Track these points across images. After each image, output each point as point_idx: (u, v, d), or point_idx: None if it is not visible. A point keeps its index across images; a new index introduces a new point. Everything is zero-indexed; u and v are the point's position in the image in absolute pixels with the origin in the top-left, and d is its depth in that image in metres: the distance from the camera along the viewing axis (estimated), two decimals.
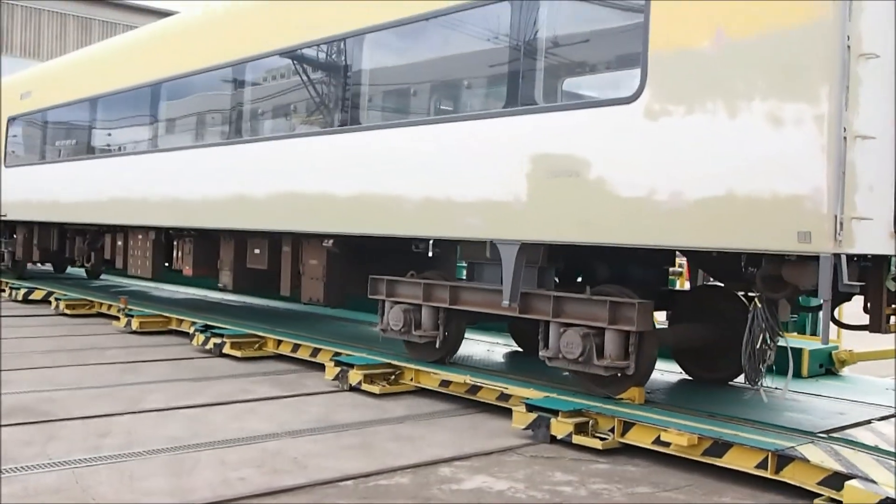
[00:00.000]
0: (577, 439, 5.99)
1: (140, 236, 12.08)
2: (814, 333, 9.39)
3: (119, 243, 12.68)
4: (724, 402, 6.74)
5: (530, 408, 6.35)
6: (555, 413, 6.16)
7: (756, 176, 5.13)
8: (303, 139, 8.77)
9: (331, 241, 8.70)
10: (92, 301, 13.27)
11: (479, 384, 7.22)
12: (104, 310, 13.02)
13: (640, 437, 5.87)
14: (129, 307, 11.81)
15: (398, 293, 8.08)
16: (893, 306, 5.66)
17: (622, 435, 5.97)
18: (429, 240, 8.23)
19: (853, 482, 4.67)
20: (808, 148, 4.88)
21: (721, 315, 7.41)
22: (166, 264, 12.02)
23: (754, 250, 5.36)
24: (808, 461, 4.98)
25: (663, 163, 5.59)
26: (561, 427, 6.08)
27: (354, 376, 7.81)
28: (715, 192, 5.33)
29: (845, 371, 8.35)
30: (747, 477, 5.25)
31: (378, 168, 7.70)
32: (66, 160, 13.60)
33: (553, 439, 6.12)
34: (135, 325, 11.26)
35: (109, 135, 12.60)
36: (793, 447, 5.19)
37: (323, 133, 8.48)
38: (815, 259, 5.01)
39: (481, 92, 7.31)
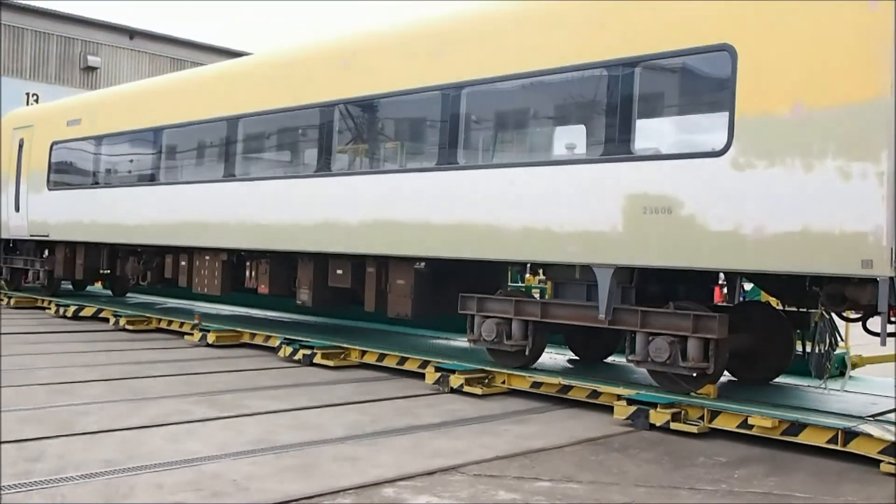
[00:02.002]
0: (674, 426, 7.43)
1: (208, 257, 13.15)
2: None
3: (182, 263, 13.71)
4: (773, 396, 8.26)
5: (630, 402, 7.77)
6: (653, 405, 7.60)
7: (827, 216, 6.66)
8: (398, 175, 10.06)
9: (422, 263, 10.01)
10: (150, 317, 14.28)
11: (571, 384, 8.62)
12: (163, 325, 14.06)
13: (726, 423, 7.34)
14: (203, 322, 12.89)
15: (488, 308, 9.43)
16: None
17: (710, 422, 7.44)
18: (526, 263, 9.61)
19: None
20: (871, 196, 6.43)
21: (762, 326, 8.94)
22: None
23: (825, 274, 6.89)
24: (872, 435, 6.50)
25: (747, 204, 7.09)
26: (660, 416, 7.51)
27: (456, 380, 9.12)
28: (792, 228, 6.85)
29: (855, 373, 9.98)
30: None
31: (478, 202, 9.04)
32: (128, 185, 14.56)
33: (652, 427, 7.54)
34: (211, 338, 12.36)
35: (177, 163, 13.64)
36: (856, 425, 6.73)
37: (421, 170, 9.81)
38: (873, 281, 6.56)
39: (584, 140, 8.74)
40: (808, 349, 9.02)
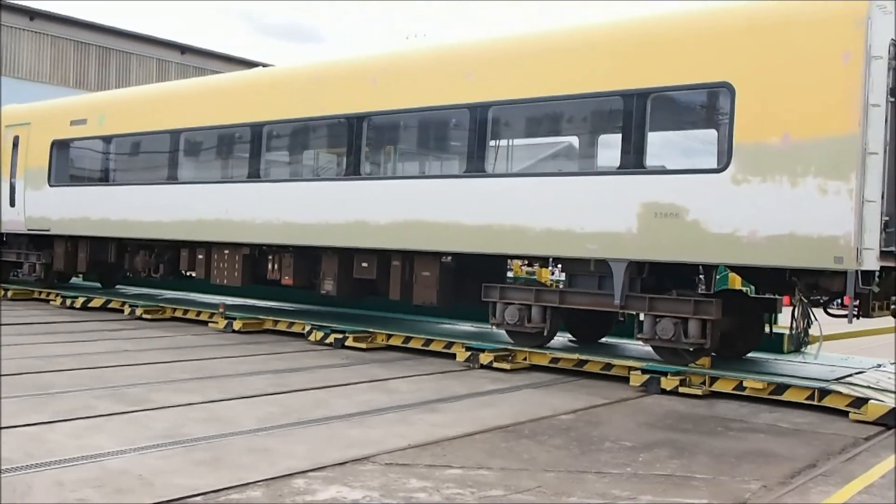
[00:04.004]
0: (682, 389, 9.18)
1: (227, 251, 14.29)
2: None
3: (200, 257, 14.80)
4: (751, 367, 10.11)
5: (644, 371, 9.50)
6: (663, 374, 9.34)
7: (808, 223, 8.49)
8: (431, 180, 11.53)
9: (449, 257, 11.52)
10: (164, 307, 15.32)
11: (587, 359, 10.30)
12: (178, 314, 15.14)
13: (724, 386, 9.15)
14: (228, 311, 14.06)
15: (510, 296, 11.01)
16: (875, 302, 9.18)
17: (710, 386, 9.22)
18: (548, 258, 11.23)
19: (871, 402, 8.09)
20: (843, 208, 8.29)
21: (740, 310, 10.78)
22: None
23: (805, 268, 8.73)
24: (842, 393, 8.39)
25: (743, 212, 8.87)
26: (670, 383, 9.25)
27: (486, 357, 10.68)
28: (780, 232, 8.66)
29: (808, 349, 12.00)
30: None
31: (505, 205, 10.58)
32: (146, 183, 15.47)
33: (663, 391, 9.27)
34: (237, 325, 13.55)
35: (200, 164, 14.69)
36: (827, 386, 8.61)
37: (452, 177, 11.31)
38: (842, 273, 8.44)
39: (603, 156, 10.39)
40: (776, 329, 11.01)
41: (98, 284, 19.93)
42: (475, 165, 10.99)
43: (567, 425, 7.48)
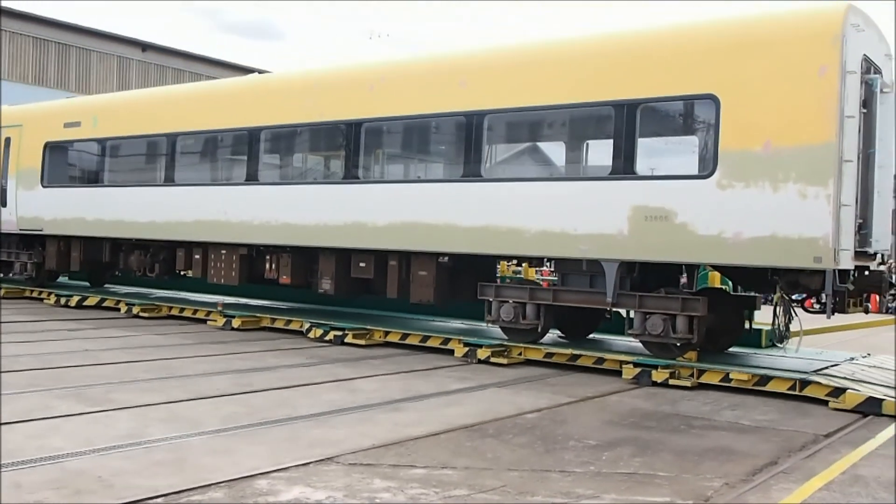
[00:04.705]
0: (672, 381, 9.76)
1: (223, 251, 14.65)
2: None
3: (196, 257, 15.15)
4: (733, 360, 10.73)
5: (636, 365, 10.08)
6: (654, 367, 9.93)
7: (789, 225, 9.11)
8: (429, 184, 12.01)
9: (446, 258, 12.01)
10: (160, 305, 15.64)
11: (579, 353, 10.86)
12: (175, 312, 15.47)
13: (711, 378, 9.75)
14: (227, 309, 14.42)
15: (505, 295, 11.53)
16: (849, 298, 9.84)
17: (698, 378, 9.82)
18: (543, 258, 11.77)
19: (849, 391, 8.74)
20: (821, 212, 8.92)
21: (720, 307, 11.40)
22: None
23: (786, 267, 9.35)
24: (821, 383, 9.03)
25: (728, 215, 9.47)
26: (660, 375, 9.84)
27: (483, 353, 11.19)
28: (763, 233, 9.27)
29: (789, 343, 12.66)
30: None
31: (501, 208, 11.10)
32: (142, 185, 15.78)
33: (654, 383, 9.85)
34: (235, 323, 13.93)
35: (198, 167, 15.02)
36: (807, 377, 9.25)
37: (450, 181, 11.80)
38: (821, 272, 9.08)
39: (596, 162, 10.95)
40: (754, 325, 11.66)
41: (87, 283, 20.13)
42: (473, 170, 11.49)
43: (532, 424, 7.53)
